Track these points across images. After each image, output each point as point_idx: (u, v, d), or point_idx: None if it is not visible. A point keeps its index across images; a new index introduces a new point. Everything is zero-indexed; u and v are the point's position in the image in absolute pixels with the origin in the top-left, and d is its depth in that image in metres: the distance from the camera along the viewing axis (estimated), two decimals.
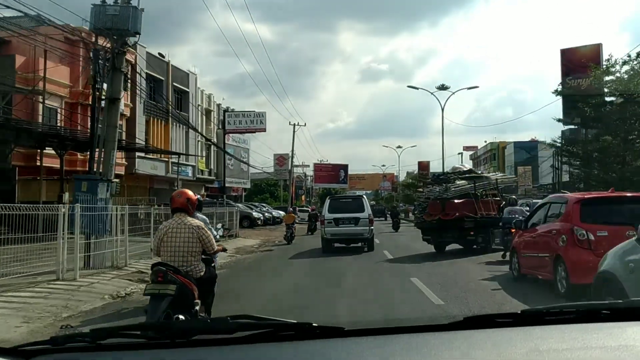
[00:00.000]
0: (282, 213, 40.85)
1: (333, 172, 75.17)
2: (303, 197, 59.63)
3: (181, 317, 5.09)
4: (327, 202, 20.15)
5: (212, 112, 51.43)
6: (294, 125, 49.69)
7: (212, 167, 51.96)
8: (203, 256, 5.81)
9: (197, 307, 5.47)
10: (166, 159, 38.88)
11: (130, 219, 14.68)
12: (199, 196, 6.67)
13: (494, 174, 24.92)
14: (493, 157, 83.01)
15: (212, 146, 52.87)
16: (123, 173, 33.30)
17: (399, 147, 63.18)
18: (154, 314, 5.11)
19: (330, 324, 1.85)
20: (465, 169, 20.33)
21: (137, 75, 28.35)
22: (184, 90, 43.20)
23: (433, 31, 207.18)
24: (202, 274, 5.68)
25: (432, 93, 39.50)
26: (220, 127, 55.69)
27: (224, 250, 7.15)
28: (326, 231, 18.76)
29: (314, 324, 1.79)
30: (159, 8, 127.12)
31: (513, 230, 12.51)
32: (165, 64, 39.86)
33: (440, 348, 1.68)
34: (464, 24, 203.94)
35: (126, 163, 33.39)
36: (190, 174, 44.94)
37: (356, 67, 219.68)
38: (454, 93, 40.05)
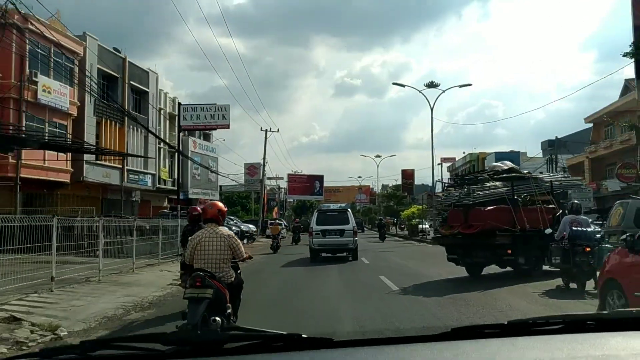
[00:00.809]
0: (252, 227, 37.01)
1: (308, 184, 71.47)
2: (276, 209, 55.64)
3: (217, 319, 5.68)
4: (315, 214, 21.30)
5: (176, 118, 47.30)
6: (266, 131, 45.91)
7: (176, 176, 47.72)
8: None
9: (229, 311, 6.11)
10: (120, 166, 34.59)
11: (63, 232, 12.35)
12: (221, 205, 7.10)
13: (549, 174, 19.92)
14: (472, 168, 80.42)
15: (178, 154, 48.77)
16: (68, 181, 29.07)
17: (378, 156, 60.21)
18: (194, 316, 5.64)
19: (319, 335, 1.86)
20: (505, 168, 15.44)
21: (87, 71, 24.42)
22: (142, 90, 39.10)
23: (406, 46, 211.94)
24: (232, 279, 6.33)
25: (420, 91, 37.54)
26: (187, 133, 51.62)
27: (251, 257, 7.40)
28: (314, 242, 19.78)
29: (303, 335, 1.81)
30: (132, 21, 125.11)
31: (587, 249, 8.94)
32: (121, 60, 35.77)
33: (428, 358, 1.70)
34: (436, 40, 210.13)
35: (71, 169, 29.15)
36: (149, 183, 40.75)
37: (330, 82, 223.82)
38: (444, 91, 38.01)
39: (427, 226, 35.25)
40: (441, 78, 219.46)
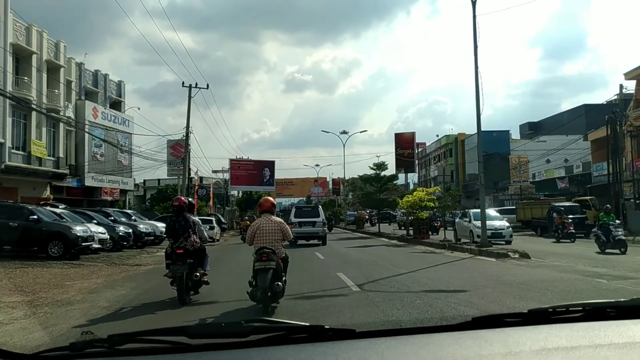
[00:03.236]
0: (160, 225, 23.76)
1: (255, 171, 58.02)
2: (211, 202, 42.16)
3: (279, 283, 7.44)
4: (293, 210, 27.17)
5: (61, 69, 33.18)
6: (190, 87, 32.49)
7: (61, 154, 33.58)
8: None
9: (285, 278, 7.87)
10: None
11: None
12: (190, 199, 9.99)
13: None
14: (449, 152, 69.17)
15: (68, 127, 34.73)
16: None
17: (344, 132, 47.82)
18: (264, 282, 7.26)
19: (341, 326, 1.90)
20: None
21: None
22: None
23: (356, 43, 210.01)
24: (284, 255, 8.02)
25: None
26: (83, 96, 37.47)
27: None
28: (292, 230, 17.35)
29: (325, 327, 1.85)
30: (75, 15, 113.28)
31: None
32: None
33: (450, 348, 1.70)
34: (386, 36, 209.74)
35: None
36: (7, 160, 26.79)
37: (281, 77, 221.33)
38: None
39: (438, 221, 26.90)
40: (391, 74, 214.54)
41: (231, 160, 57.08)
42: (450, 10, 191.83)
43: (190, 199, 9.91)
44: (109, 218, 21.69)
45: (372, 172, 32.09)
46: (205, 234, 9.78)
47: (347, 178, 56.11)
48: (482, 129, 16.90)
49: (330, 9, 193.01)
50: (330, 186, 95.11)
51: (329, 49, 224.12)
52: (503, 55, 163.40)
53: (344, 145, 50.43)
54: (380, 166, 31.90)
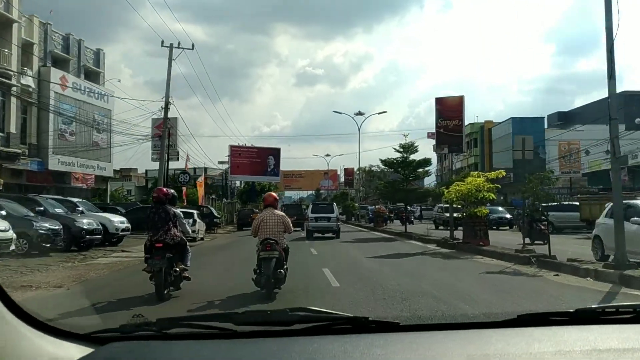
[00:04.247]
0: (117, 220, 17.61)
1: (258, 159, 51.73)
2: (201, 192, 35.71)
3: (282, 271, 8.25)
4: (311, 206, 29.42)
5: (14, 26, 26.99)
6: (171, 46, 26.21)
7: (13, 129, 27.44)
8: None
9: (286, 266, 8.61)
10: None
11: None
12: (172, 191, 9.34)
13: None
14: (474, 142, 62.55)
15: (29, 98, 28.70)
16: None
17: (360, 113, 41.65)
18: (268, 269, 8.02)
19: (386, 319, 1.92)
20: None
21: None
22: None
23: (368, 37, 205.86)
24: (285, 245, 8.75)
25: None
26: (49, 63, 31.41)
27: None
28: (310, 225, 26.57)
29: (369, 318, 1.86)
30: (88, 6, 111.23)
31: None
32: None
33: (498, 344, 1.68)
34: (398, 30, 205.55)
35: None
36: None
37: (292, 71, 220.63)
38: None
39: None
40: (403, 69, 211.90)
41: (231, 146, 50.81)
42: (462, 4, 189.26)
43: (172, 191, 9.44)
44: (37, 208, 15.45)
45: (398, 155, 25.48)
46: (188, 227, 9.59)
47: (362, 166, 49.53)
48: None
49: (342, 2, 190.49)
50: (342, 178, 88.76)
51: (341, 43, 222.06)
52: (517, 51, 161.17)
53: (359, 129, 44.33)
54: (409, 147, 25.06)
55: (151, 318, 1.95)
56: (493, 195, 15.40)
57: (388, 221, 36.86)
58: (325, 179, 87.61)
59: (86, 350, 1.70)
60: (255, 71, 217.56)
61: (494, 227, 26.48)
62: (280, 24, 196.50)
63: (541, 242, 14.79)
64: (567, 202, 27.40)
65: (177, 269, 8.15)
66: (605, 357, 1.56)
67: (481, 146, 61.03)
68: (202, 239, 24.42)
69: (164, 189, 9.23)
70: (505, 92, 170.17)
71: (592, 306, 2.02)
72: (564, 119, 68.93)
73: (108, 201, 36.36)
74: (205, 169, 50.55)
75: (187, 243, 8.86)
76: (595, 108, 63.85)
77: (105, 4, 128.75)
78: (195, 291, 8.33)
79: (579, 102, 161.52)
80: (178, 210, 8.91)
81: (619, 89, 11.21)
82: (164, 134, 26.16)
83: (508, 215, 31.61)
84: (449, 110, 18.05)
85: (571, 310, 1.91)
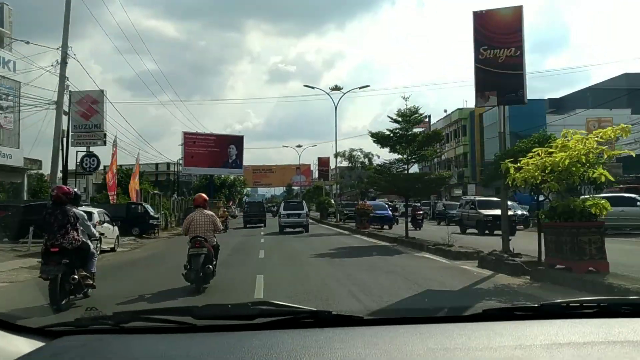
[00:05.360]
0: None
1: (217, 149, 44.05)
2: (134, 184, 27.90)
3: (210, 266, 8.90)
4: (282, 204, 33.41)
5: None
6: None
7: None
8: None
9: (215, 262, 9.30)
10: None
11: None
12: (76, 190, 8.71)
13: None
14: (462, 130, 56.07)
15: None
16: None
17: (336, 88, 34.65)
18: (196, 265, 8.58)
19: (349, 312, 1.87)
20: None
21: None
22: None
23: (340, 34, 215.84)
24: (214, 243, 9.40)
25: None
26: None
27: (225, 230, 13.43)
28: (282, 221, 29.18)
29: (333, 312, 1.84)
30: (54, 1, 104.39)
31: None
32: None
33: (460, 339, 1.66)
34: (371, 27, 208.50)
35: None
36: None
37: (264, 68, 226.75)
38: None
39: None
40: (375, 66, 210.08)
41: (185, 133, 42.99)
42: (434, 1, 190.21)
43: (75, 190, 8.70)
44: None
45: (395, 127, 17.93)
46: (94, 230, 8.81)
47: (341, 150, 41.63)
48: None
49: None
50: (316, 174, 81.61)
51: (313, 40, 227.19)
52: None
53: (335, 108, 37.31)
54: (411, 116, 17.64)
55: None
56: (608, 175, 7.97)
57: (394, 222, 29.45)
58: (298, 174, 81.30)
59: (37, 344, 1.69)
60: (227, 68, 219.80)
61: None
62: (252, 20, 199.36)
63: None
64: (620, 194, 20.48)
65: (76, 277, 7.56)
66: (565, 350, 1.56)
67: (471, 134, 54.61)
68: (112, 249, 16.89)
69: (65, 187, 8.68)
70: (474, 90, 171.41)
71: (557, 301, 2.01)
72: (556, 106, 63.31)
73: (25, 197, 28.77)
74: (154, 165, 42.74)
75: (92, 247, 8.37)
76: (586, 93, 58.58)
77: None
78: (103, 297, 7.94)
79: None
80: (81, 211, 8.48)
81: None
82: (61, 96, 18.40)
83: (520, 212, 25.45)
84: (498, 30, 10.68)
85: (536, 305, 1.92)
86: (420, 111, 18.28)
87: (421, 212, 29.05)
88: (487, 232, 21.91)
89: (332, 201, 45.46)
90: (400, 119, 17.91)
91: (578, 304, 1.93)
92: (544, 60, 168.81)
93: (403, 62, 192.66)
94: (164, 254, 17.65)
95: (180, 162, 43.34)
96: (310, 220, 40.34)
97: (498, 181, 11.85)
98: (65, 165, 21.16)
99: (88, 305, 6.80)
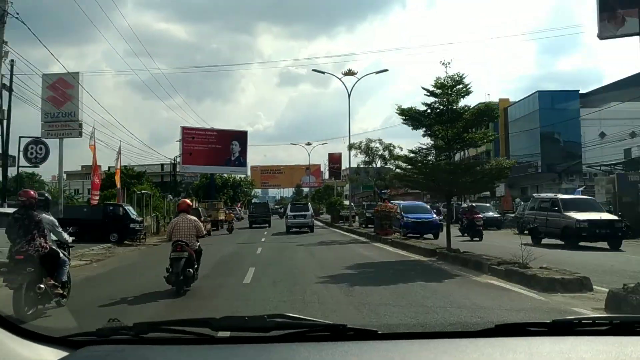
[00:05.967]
0: None
1: (219, 145, 40.27)
2: (117, 181, 24.31)
3: (190, 270, 9.10)
4: (289, 206, 34.92)
5: None
6: None
7: None
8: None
9: (196, 266, 9.54)
10: None
11: None
12: (47, 194, 8.65)
13: None
14: (486, 126, 51.87)
15: None
16: None
17: (350, 72, 30.80)
18: (177, 268, 8.84)
19: (364, 326, 1.89)
20: None
21: None
22: None
23: (351, 36, 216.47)
24: (196, 247, 9.65)
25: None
26: None
27: (209, 234, 13.44)
28: (288, 221, 31.24)
29: (348, 326, 1.85)
30: (65, 6, 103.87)
31: None
32: None
33: (472, 354, 1.67)
34: (382, 29, 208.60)
35: None
36: None
37: (275, 71, 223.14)
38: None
39: None
40: (387, 68, 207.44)
41: (183, 128, 39.14)
42: (445, 2, 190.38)
43: (47, 194, 8.62)
44: None
45: (432, 101, 13.69)
46: (66, 236, 8.35)
47: (355, 142, 37.33)
48: None
49: (325, 1, 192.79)
50: (326, 175, 77.74)
51: (324, 43, 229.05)
52: (499, 49, 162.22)
53: (349, 95, 33.33)
54: (454, 86, 13.40)
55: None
56: None
57: (440, 230, 23.47)
58: (307, 174, 77.58)
59: (61, 354, 1.72)
60: (238, 70, 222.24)
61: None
62: (263, 23, 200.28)
63: None
64: None
65: (42, 286, 7.15)
66: None
67: (495, 129, 50.48)
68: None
69: (31, 192, 7.99)
70: (488, 90, 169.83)
71: (569, 317, 1.99)
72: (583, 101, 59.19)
73: None
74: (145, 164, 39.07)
75: (62, 254, 7.97)
76: (607, 89, 54.27)
77: (85, 3, 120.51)
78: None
79: None
80: (50, 216, 8.11)
81: None
82: None
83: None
84: None
85: (548, 321, 1.90)
86: (466, 81, 13.83)
87: (480, 215, 22.84)
88: (580, 243, 17.05)
89: (345, 202, 41.37)
90: (439, 91, 13.62)
91: (590, 321, 1.93)
92: (556, 61, 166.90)
93: (413, 63, 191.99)
94: (129, 269, 13.92)
95: (179, 159, 39.55)
96: (320, 224, 38.50)
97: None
98: (5, 153, 17.37)
99: (57, 315, 6.45)
